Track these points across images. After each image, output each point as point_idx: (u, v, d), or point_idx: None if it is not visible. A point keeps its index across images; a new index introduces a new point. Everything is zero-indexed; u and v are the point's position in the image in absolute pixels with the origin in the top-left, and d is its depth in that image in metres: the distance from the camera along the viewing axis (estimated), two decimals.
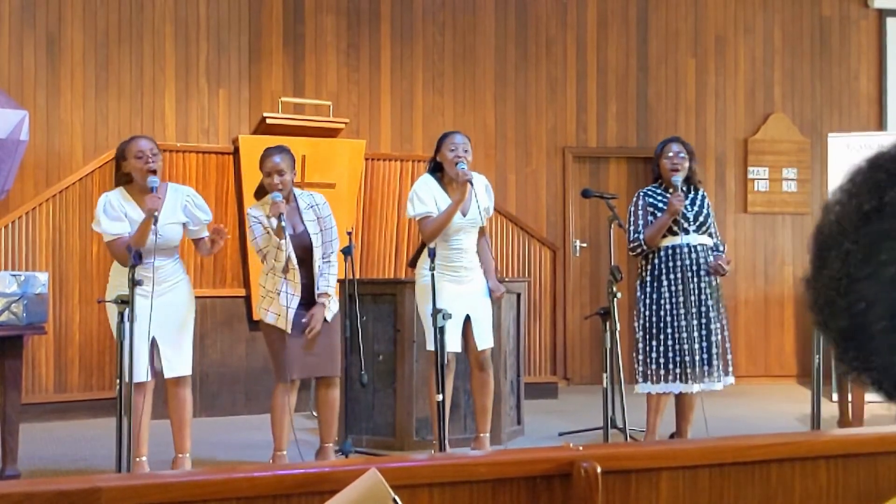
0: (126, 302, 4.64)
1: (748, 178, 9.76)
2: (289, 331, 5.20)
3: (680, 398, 5.75)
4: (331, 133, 7.73)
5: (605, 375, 5.12)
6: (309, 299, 5.27)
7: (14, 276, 5.36)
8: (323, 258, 5.31)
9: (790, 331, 9.74)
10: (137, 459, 5.03)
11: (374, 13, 9.12)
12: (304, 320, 5.23)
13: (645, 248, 5.68)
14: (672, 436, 5.84)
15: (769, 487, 2.04)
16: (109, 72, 8.25)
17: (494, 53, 9.39)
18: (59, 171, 7.95)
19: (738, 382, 9.30)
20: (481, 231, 5.68)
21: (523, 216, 9.08)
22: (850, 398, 6.69)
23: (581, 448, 1.96)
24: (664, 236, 5.69)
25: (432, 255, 5.21)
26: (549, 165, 9.49)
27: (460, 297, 5.44)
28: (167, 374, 5.10)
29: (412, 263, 5.74)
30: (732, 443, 2.12)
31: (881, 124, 9.89)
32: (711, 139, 9.77)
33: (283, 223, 5.07)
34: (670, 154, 5.78)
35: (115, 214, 5.04)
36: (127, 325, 4.70)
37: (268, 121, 7.45)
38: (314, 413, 6.41)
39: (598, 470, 1.88)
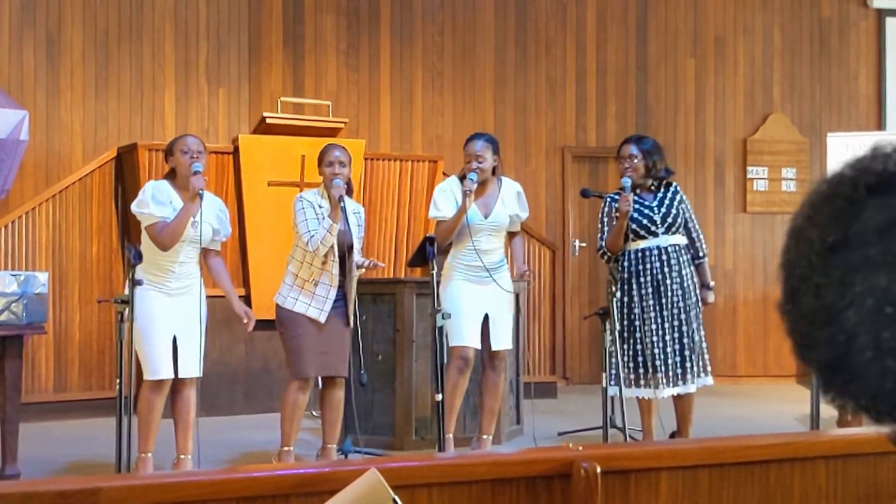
0: (126, 302, 4.64)
1: (747, 177, 9.76)
2: (322, 320, 5.22)
3: (678, 399, 5.74)
4: (330, 133, 7.73)
5: (604, 375, 5.12)
6: (340, 296, 5.30)
7: (14, 275, 5.36)
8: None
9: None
10: (143, 455, 5.04)
11: (373, 13, 9.13)
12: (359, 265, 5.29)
13: (609, 254, 5.66)
14: (672, 435, 5.84)
15: (768, 487, 2.04)
16: (109, 71, 8.25)
17: (494, 53, 9.40)
18: (59, 170, 7.95)
19: (737, 382, 9.34)
20: (512, 234, 5.72)
21: None
22: None
23: (581, 448, 1.97)
24: (633, 240, 5.63)
25: (431, 254, 5.24)
26: (549, 165, 9.49)
27: (480, 295, 5.49)
28: (182, 374, 5.11)
29: (412, 263, 5.76)
30: (732, 443, 2.12)
31: (880, 124, 9.89)
32: (711, 139, 9.78)
33: (344, 205, 5.18)
34: (621, 156, 5.73)
35: (162, 199, 5.10)
36: (126, 325, 4.71)
37: (267, 120, 7.46)
38: (314, 413, 6.41)
39: (598, 470, 1.88)
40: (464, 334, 5.44)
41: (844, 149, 8.44)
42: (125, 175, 7.71)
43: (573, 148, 9.54)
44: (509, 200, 5.61)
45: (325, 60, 8.99)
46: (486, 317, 5.55)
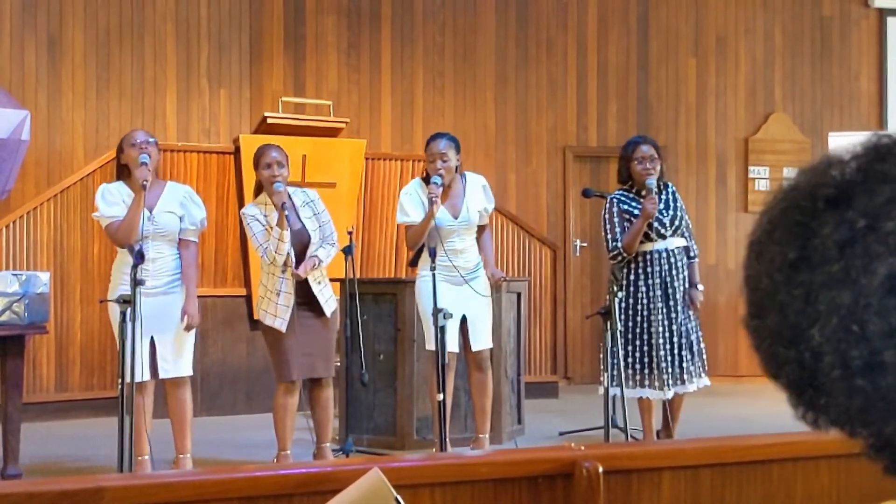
0: (128, 301, 4.64)
1: (749, 177, 9.76)
2: (283, 330, 5.21)
3: (671, 399, 5.74)
4: (331, 133, 7.74)
5: (604, 375, 5.12)
6: (306, 298, 5.27)
7: (15, 275, 5.36)
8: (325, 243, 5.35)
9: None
10: (139, 458, 5.03)
11: (374, 13, 9.12)
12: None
13: (625, 255, 5.62)
14: (657, 434, 5.84)
15: (771, 487, 2.04)
16: (110, 72, 8.25)
17: (495, 53, 9.39)
18: (61, 170, 7.95)
19: (738, 382, 9.33)
20: (482, 228, 5.68)
21: (524, 216, 9.08)
22: None
23: (583, 448, 1.96)
24: (641, 242, 5.62)
25: (432, 254, 5.23)
26: (550, 165, 9.49)
27: (457, 297, 5.43)
28: (162, 375, 5.10)
29: (412, 263, 5.75)
30: (734, 442, 2.12)
31: (881, 123, 9.89)
32: (712, 139, 9.78)
33: (287, 211, 5.12)
34: (642, 157, 5.64)
35: (113, 199, 5.12)
36: (129, 324, 4.71)
37: (269, 120, 7.46)
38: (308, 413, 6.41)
39: (600, 470, 1.88)
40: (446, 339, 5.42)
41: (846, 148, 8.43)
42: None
43: (574, 148, 9.54)
44: (476, 196, 5.56)
45: (326, 60, 8.99)
46: (464, 318, 5.53)
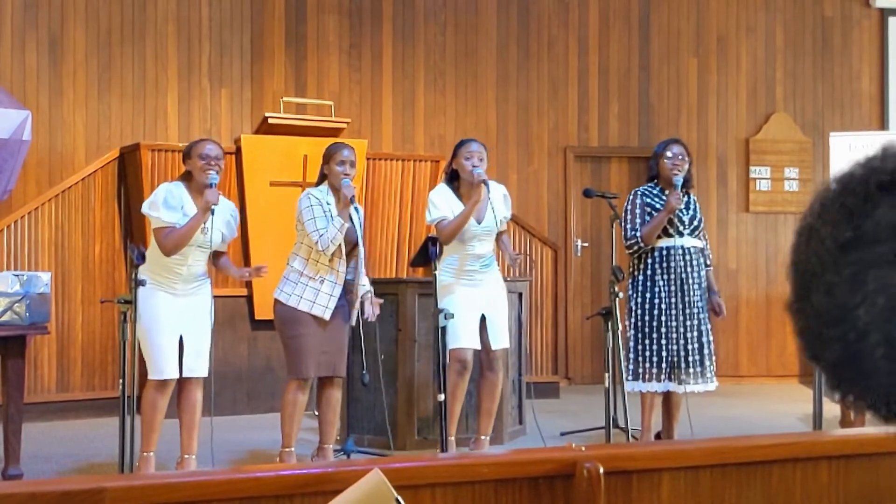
0: (129, 302, 4.65)
1: (750, 177, 9.76)
2: (327, 318, 5.22)
3: (668, 397, 5.79)
4: (332, 133, 7.74)
5: (606, 375, 5.13)
6: (342, 294, 5.32)
7: (16, 275, 5.37)
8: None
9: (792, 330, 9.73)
10: (145, 454, 5.04)
11: (375, 13, 9.13)
12: (365, 315, 5.33)
13: (642, 245, 5.72)
14: (658, 435, 5.86)
15: (771, 488, 2.04)
16: (112, 72, 8.26)
17: (496, 53, 9.40)
18: (62, 170, 7.95)
19: (739, 382, 9.34)
20: (499, 234, 5.72)
21: (525, 216, 9.09)
22: None
23: (583, 448, 1.97)
24: (659, 237, 5.72)
25: (433, 255, 5.25)
26: (551, 165, 9.49)
27: (476, 297, 5.49)
28: (185, 374, 5.11)
29: (414, 263, 5.77)
30: (734, 443, 2.13)
31: (883, 123, 9.89)
32: (713, 139, 9.78)
33: (354, 204, 5.20)
34: (671, 154, 5.80)
35: (174, 204, 5.07)
36: (129, 325, 4.72)
37: (270, 121, 7.46)
38: (315, 413, 6.41)
39: (601, 470, 1.88)
40: (461, 337, 5.44)
41: (847, 148, 8.43)
42: (128, 175, 7.72)
43: (575, 148, 9.54)
44: (498, 204, 5.61)
45: (328, 60, 8.99)
46: (483, 317, 5.55)
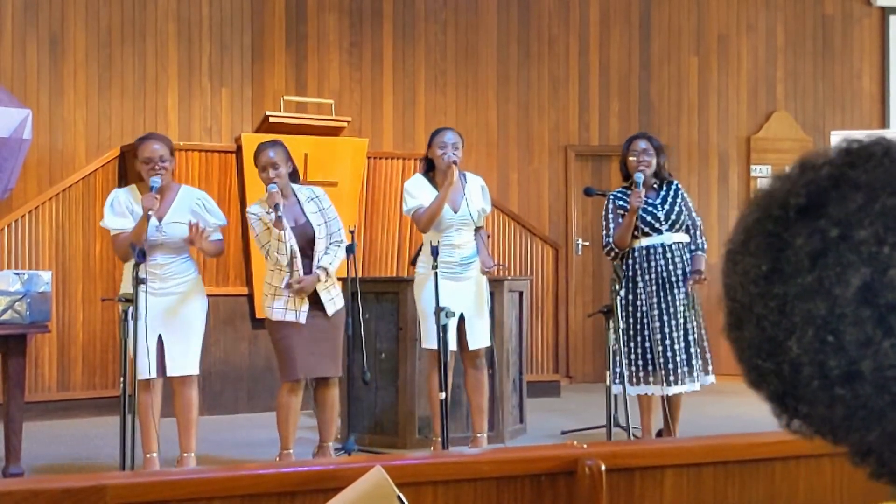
0: (130, 300, 4.65)
1: (751, 176, 9.75)
2: (301, 321, 5.18)
3: (669, 398, 5.72)
4: (333, 132, 7.73)
5: (607, 374, 5.12)
6: (312, 297, 5.26)
7: (17, 274, 5.36)
8: (331, 242, 5.32)
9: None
10: (148, 455, 5.05)
11: (376, 12, 9.12)
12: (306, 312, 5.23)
13: (616, 250, 5.65)
14: (659, 433, 5.83)
15: (773, 485, 2.04)
16: (112, 71, 8.25)
17: (497, 52, 9.39)
18: (62, 169, 7.95)
19: (740, 381, 9.29)
20: (477, 229, 5.68)
21: (525, 215, 9.08)
22: None
23: (585, 446, 1.96)
24: (636, 237, 5.62)
25: (435, 252, 5.23)
26: (552, 164, 9.49)
27: (455, 295, 5.42)
28: (170, 373, 5.12)
29: (414, 262, 5.75)
30: (737, 440, 2.12)
31: (884, 122, 9.88)
32: (714, 137, 9.77)
33: (281, 213, 5.08)
34: (636, 151, 5.70)
35: (121, 210, 5.10)
36: (131, 323, 4.72)
37: (270, 119, 7.46)
38: (314, 413, 6.41)
39: (603, 468, 1.88)
40: (436, 337, 5.40)
41: None
42: (128, 174, 7.71)
43: (576, 146, 9.54)
44: (475, 195, 5.59)
45: (328, 59, 8.98)
46: (462, 317, 5.53)
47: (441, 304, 5.12)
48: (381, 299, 6.18)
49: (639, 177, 5.61)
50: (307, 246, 5.25)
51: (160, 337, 5.08)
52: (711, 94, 9.77)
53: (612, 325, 5.05)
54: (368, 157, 7.92)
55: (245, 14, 8.74)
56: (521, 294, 6.54)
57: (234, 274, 7.64)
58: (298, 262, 5.21)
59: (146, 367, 4.99)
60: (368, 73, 9.08)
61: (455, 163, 5.40)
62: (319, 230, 5.28)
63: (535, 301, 8.78)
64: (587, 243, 9.48)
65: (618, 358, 5.46)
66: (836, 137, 8.73)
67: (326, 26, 9.00)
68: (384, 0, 9.14)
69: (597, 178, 9.50)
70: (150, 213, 4.94)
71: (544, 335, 8.96)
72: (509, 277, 6.18)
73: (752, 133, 9.80)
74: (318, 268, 5.24)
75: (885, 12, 10.01)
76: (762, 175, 9.76)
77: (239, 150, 7.49)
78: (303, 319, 5.19)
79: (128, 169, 7.72)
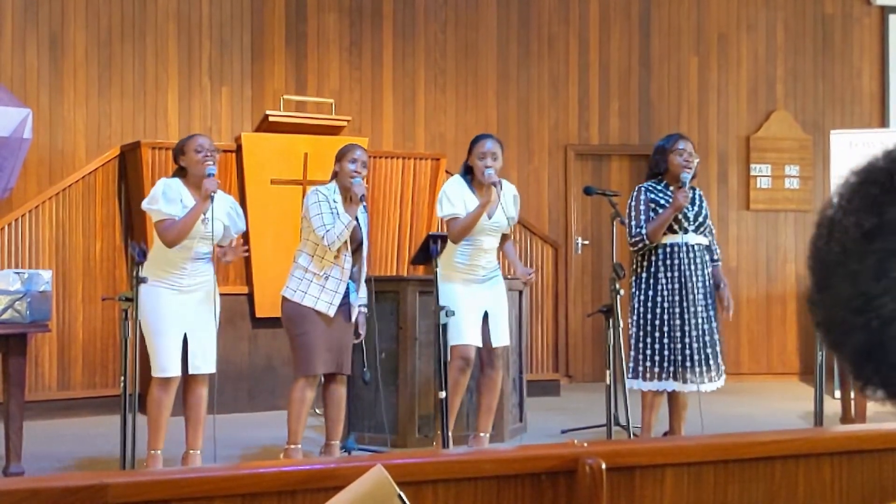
0: (130, 299, 4.65)
1: (750, 175, 9.76)
2: (331, 314, 5.22)
3: (673, 396, 5.73)
4: (333, 131, 7.74)
5: (608, 373, 5.12)
6: (346, 292, 5.32)
7: (17, 273, 5.37)
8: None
9: (792, 328, 9.74)
10: (152, 452, 5.05)
11: (376, 11, 9.12)
12: (354, 321, 5.36)
13: (647, 242, 5.64)
14: (665, 434, 5.83)
15: (773, 484, 2.04)
16: (112, 70, 8.25)
17: (497, 51, 9.39)
18: (63, 169, 7.95)
19: (740, 380, 9.33)
20: (505, 237, 5.71)
21: (525, 214, 9.06)
22: (852, 395, 6.69)
23: (585, 445, 1.97)
24: (664, 234, 5.67)
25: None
26: (551, 163, 9.49)
27: (479, 293, 5.49)
28: (192, 371, 5.11)
29: (414, 261, 5.76)
30: (736, 440, 2.13)
31: (883, 121, 9.88)
32: (714, 136, 9.77)
33: (363, 203, 5.23)
34: (681, 150, 5.73)
35: (172, 196, 5.09)
36: (130, 322, 4.72)
37: (270, 118, 7.46)
38: (317, 410, 6.42)
39: (603, 466, 1.88)
40: (464, 333, 5.43)
41: (848, 146, 8.43)
42: (128, 173, 7.72)
43: (576, 145, 9.54)
44: (508, 203, 5.63)
45: (328, 58, 8.99)
46: (486, 314, 5.56)
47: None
48: (382, 299, 6.17)
49: (685, 177, 5.66)
50: (354, 247, 5.32)
51: (185, 335, 5.08)
52: (711, 92, 9.77)
53: (611, 324, 5.06)
54: (368, 157, 7.90)
55: (245, 13, 8.74)
56: (520, 293, 6.54)
57: (234, 273, 7.64)
58: (348, 256, 5.27)
59: (171, 365, 5.01)
60: (368, 72, 9.08)
61: (496, 184, 5.39)
62: (366, 240, 5.40)
63: (535, 300, 8.78)
64: (587, 242, 9.48)
65: (630, 353, 5.53)
66: (836, 136, 8.75)
67: (326, 25, 9.00)
68: None
69: (597, 177, 9.50)
70: (212, 194, 4.97)
71: (544, 334, 8.97)
72: (509, 276, 6.17)
73: (751, 132, 9.80)
74: (362, 306, 5.44)
75: (885, 11, 10.01)
76: (762, 174, 9.76)
77: (239, 149, 7.49)
78: (332, 313, 5.23)
79: (128, 168, 7.73)
